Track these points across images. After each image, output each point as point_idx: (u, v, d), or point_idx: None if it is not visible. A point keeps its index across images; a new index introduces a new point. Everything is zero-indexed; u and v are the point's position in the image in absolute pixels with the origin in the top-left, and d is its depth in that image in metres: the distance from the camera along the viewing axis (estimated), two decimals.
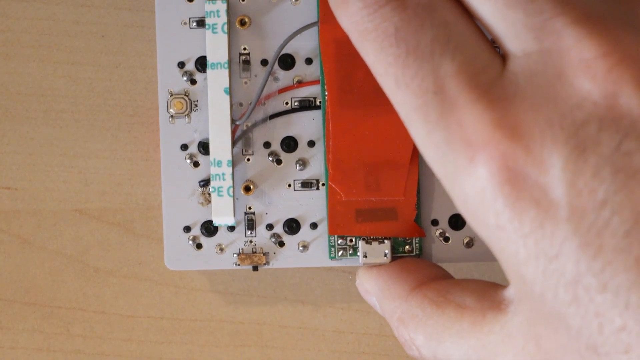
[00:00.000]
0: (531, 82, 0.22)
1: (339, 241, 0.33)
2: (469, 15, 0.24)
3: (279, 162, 0.34)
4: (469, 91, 0.23)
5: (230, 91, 0.33)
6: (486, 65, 0.23)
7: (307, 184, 0.34)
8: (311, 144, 0.34)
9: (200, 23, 0.34)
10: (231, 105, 0.33)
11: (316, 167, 0.34)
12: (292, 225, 0.34)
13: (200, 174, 0.34)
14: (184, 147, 0.34)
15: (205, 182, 0.34)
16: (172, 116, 0.34)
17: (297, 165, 0.34)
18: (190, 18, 0.34)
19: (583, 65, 0.22)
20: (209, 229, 0.34)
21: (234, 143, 0.34)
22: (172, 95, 0.34)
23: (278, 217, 0.34)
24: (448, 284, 0.28)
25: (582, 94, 0.22)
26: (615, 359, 0.21)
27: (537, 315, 0.23)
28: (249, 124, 0.34)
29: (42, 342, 0.37)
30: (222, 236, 0.34)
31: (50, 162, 0.36)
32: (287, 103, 0.34)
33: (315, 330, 0.36)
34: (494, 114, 0.22)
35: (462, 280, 0.28)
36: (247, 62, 0.34)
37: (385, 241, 0.32)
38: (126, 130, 0.36)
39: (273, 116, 0.34)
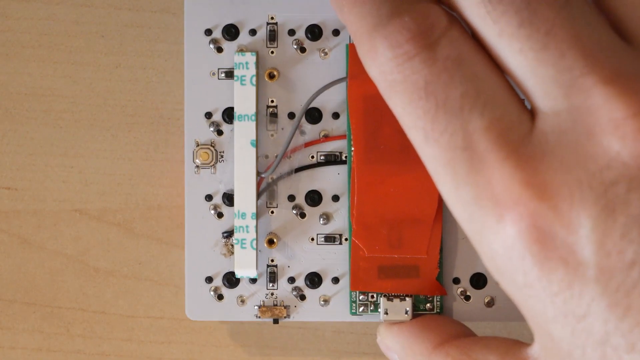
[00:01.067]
0: (560, 141, 0.22)
1: (361, 297, 0.33)
2: (499, 70, 0.24)
3: (302, 215, 0.34)
4: (499, 149, 0.23)
5: (256, 143, 0.33)
6: (515, 122, 0.23)
7: (330, 239, 0.34)
8: (335, 198, 0.34)
9: (229, 74, 0.34)
10: (257, 158, 0.33)
11: (340, 222, 0.34)
12: (314, 279, 0.34)
13: (224, 225, 0.34)
14: (209, 197, 0.34)
15: (229, 234, 0.34)
16: (197, 166, 0.34)
17: (321, 219, 0.34)
18: (219, 69, 0.34)
19: (612, 125, 0.22)
20: (231, 280, 0.34)
21: (258, 195, 0.34)
22: (198, 145, 0.34)
23: (300, 271, 0.34)
24: (470, 341, 0.28)
25: (612, 154, 0.22)
26: None
27: None
28: (274, 177, 0.34)
29: (42, 342, 0.37)
30: (243, 288, 0.34)
31: (50, 162, 0.36)
32: (312, 157, 0.34)
33: (316, 330, 0.36)
34: (523, 173, 0.22)
35: (485, 338, 0.28)
36: (274, 115, 0.34)
37: (407, 298, 0.32)
38: (126, 130, 0.36)
39: (298, 169, 0.34)
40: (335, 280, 0.34)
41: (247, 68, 0.33)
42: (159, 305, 0.37)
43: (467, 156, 0.23)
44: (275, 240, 0.34)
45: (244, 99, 0.33)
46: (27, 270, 0.36)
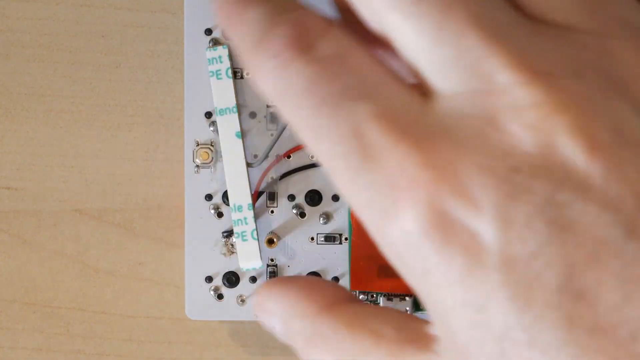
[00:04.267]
0: (460, 124, 0.21)
1: (361, 296, 0.33)
2: (383, 62, 0.23)
3: (302, 215, 0.34)
4: (389, 132, 0.22)
5: (242, 134, 0.33)
6: (406, 106, 0.22)
7: (330, 238, 0.34)
8: (335, 198, 0.34)
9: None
10: (245, 149, 0.33)
11: (340, 222, 0.34)
12: None
13: (223, 224, 0.34)
14: (209, 197, 0.34)
15: (229, 233, 0.34)
16: (197, 166, 0.34)
17: (321, 218, 0.34)
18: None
19: (516, 113, 0.21)
20: (231, 279, 0.34)
21: (258, 195, 0.34)
22: (198, 145, 0.34)
23: (300, 270, 0.34)
24: (364, 308, 0.26)
25: (515, 141, 0.21)
26: None
27: None
28: (274, 176, 0.34)
29: (42, 342, 0.37)
30: (243, 287, 0.34)
31: (50, 162, 0.36)
32: (312, 156, 0.34)
33: None
34: (419, 154, 0.21)
35: (378, 307, 0.27)
36: (274, 115, 0.34)
37: (407, 298, 0.32)
38: (126, 130, 0.36)
39: (299, 169, 0.34)
40: (336, 279, 0.34)
41: (221, 62, 0.33)
42: (159, 305, 0.37)
43: (358, 145, 0.22)
44: (275, 239, 0.34)
45: (222, 93, 0.33)
46: (27, 270, 0.36)
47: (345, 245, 0.34)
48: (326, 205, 0.34)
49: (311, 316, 0.27)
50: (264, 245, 0.34)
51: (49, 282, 0.36)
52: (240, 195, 0.33)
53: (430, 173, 0.21)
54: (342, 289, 0.29)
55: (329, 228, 0.34)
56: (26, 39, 0.36)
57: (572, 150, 0.21)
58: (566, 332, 0.20)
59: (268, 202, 0.34)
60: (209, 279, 0.34)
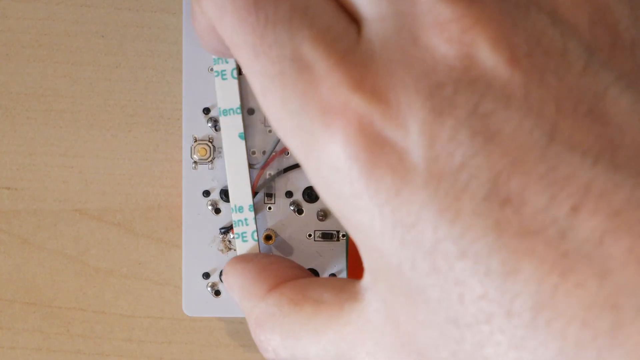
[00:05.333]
0: (386, 46, 0.22)
1: None
2: None
3: (300, 212, 0.34)
4: (327, 57, 0.22)
5: (245, 136, 0.33)
6: (343, 33, 0.22)
7: (327, 235, 0.34)
8: None
9: None
10: (247, 150, 0.33)
11: (337, 219, 0.34)
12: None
13: (221, 220, 0.34)
14: (206, 193, 0.34)
15: (226, 230, 0.34)
16: (195, 162, 0.34)
17: (318, 215, 0.34)
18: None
19: (438, 28, 0.21)
20: None
21: (256, 191, 0.34)
22: (196, 141, 0.34)
23: None
24: (306, 281, 0.27)
25: (438, 57, 0.21)
26: (477, 330, 0.20)
27: (395, 293, 0.22)
28: (272, 173, 0.34)
29: (42, 342, 0.37)
30: None
31: (50, 162, 0.36)
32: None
33: None
34: (351, 79, 0.22)
35: (321, 278, 0.27)
36: None
37: None
38: (126, 130, 0.36)
39: (296, 166, 0.34)
40: (333, 276, 0.34)
41: (227, 62, 0.33)
42: (159, 305, 0.36)
43: (296, 67, 0.22)
44: (272, 236, 0.34)
45: (227, 94, 0.33)
46: (27, 270, 0.36)
47: (343, 242, 0.34)
48: (324, 202, 0.34)
49: (259, 297, 0.27)
50: (262, 241, 0.34)
51: (49, 282, 0.36)
52: (242, 196, 0.33)
53: (360, 96, 0.21)
54: (297, 267, 0.29)
55: (327, 225, 0.34)
56: (26, 39, 0.36)
57: (492, 62, 0.21)
58: (495, 238, 0.20)
59: (266, 198, 0.34)
60: (206, 276, 0.34)
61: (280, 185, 0.34)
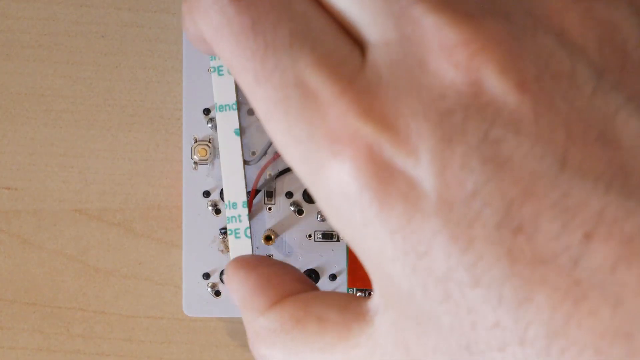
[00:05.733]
0: (393, 73, 0.22)
1: (358, 294, 0.33)
2: (326, 9, 0.23)
3: (300, 212, 0.34)
4: (332, 83, 0.22)
5: (240, 132, 0.33)
6: (347, 57, 0.22)
7: (327, 235, 0.34)
8: None
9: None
10: (243, 147, 0.33)
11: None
12: (312, 276, 0.34)
13: (221, 221, 0.34)
14: (206, 193, 0.34)
15: (227, 230, 0.34)
16: (195, 162, 0.34)
17: (319, 216, 0.34)
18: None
19: (444, 54, 0.21)
20: None
21: (256, 191, 0.34)
22: (196, 141, 0.34)
23: (297, 267, 0.34)
24: (310, 296, 0.26)
25: (446, 83, 0.21)
26: (490, 357, 0.20)
27: (405, 319, 0.22)
28: (272, 173, 0.34)
29: (42, 342, 0.37)
30: None
31: (50, 162, 0.36)
32: None
33: None
34: (359, 106, 0.21)
35: (325, 293, 0.26)
36: None
37: None
38: (126, 130, 0.36)
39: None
40: (333, 277, 0.34)
41: None
42: (159, 305, 0.36)
43: (299, 93, 0.22)
44: (272, 236, 0.34)
45: (223, 89, 0.33)
46: (27, 270, 0.36)
47: (343, 243, 0.34)
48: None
49: (259, 311, 0.27)
50: (262, 242, 0.34)
51: (49, 282, 0.36)
52: (236, 192, 0.33)
53: (369, 124, 0.21)
54: (300, 280, 0.29)
55: (327, 225, 0.34)
56: (26, 39, 0.36)
57: (501, 87, 0.21)
58: (508, 267, 0.20)
59: (266, 199, 0.34)
60: (207, 276, 0.34)
61: (281, 186, 0.34)
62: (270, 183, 0.34)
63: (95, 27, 0.36)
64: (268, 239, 0.34)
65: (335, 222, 0.22)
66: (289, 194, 0.34)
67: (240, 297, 0.28)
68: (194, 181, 0.34)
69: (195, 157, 0.34)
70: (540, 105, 0.21)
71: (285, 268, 0.30)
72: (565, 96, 0.21)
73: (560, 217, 0.20)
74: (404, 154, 0.21)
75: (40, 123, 0.36)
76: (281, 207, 0.34)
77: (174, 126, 0.36)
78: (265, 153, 0.34)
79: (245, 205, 0.33)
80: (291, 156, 0.23)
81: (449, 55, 0.21)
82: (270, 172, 0.34)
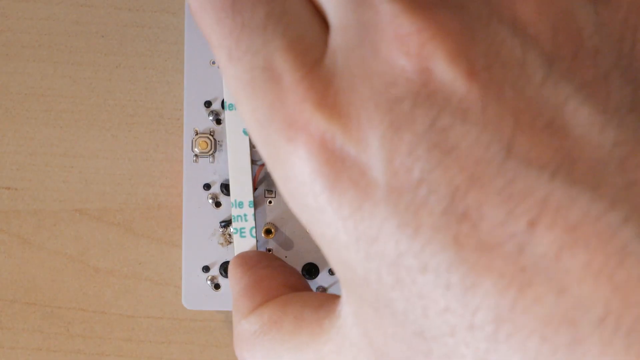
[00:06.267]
0: (348, 58, 0.22)
1: None
2: None
3: None
4: (295, 69, 0.22)
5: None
6: (314, 43, 0.22)
7: None
8: None
9: None
10: (251, 146, 0.33)
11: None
12: (311, 270, 0.34)
13: (221, 214, 0.34)
14: (207, 186, 0.34)
15: (227, 223, 0.34)
16: (196, 155, 0.34)
17: None
18: None
19: (397, 41, 0.21)
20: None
21: (257, 184, 0.34)
22: (197, 134, 0.34)
23: (297, 261, 0.34)
24: (289, 297, 0.27)
25: (397, 71, 0.21)
26: (443, 343, 0.20)
27: (365, 307, 0.22)
28: None
29: (42, 342, 0.37)
30: None
31: (50, 162, 0.36)
32: None
33: None
34: (315, 93, 0.22)
35: (303, 293, 0.27)
36: None
37: None
38: (126, 130, 0.36)
39: None
40: (331, 272, 0.34)
41: None
42: (159, 305, 0.37)
43: (266, 76, 0.22)
44: (272, 230, 0.34)
45: None
46: (27, 270, 0.36)
47: None
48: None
49: (243, 314, 0.27)
50: (262, 235, 0.34)
51: (49, 282, 0.36)
52: (243, 192, 0.33)
53: (323, 112, 0.21)
54: (289, 284, 0.29)
55: None
56: (26, 39, 0.36)
57: (450, 75, 0.21)
58: (454, 253, 0.20)
59: (266, 192, 0.34)
60: (206, 269, 0.34)
61: None
62: (271, 177, 0.34)
63: (95, 27, 0.36)
64: (268, 232, 0.34)
65: (293, 207, 0.23)
66: None
67: (233, 298, 0.29)
68: (194, 174, 0.34)
69: (196, 149, 0.34)
70: (489, 93, 0.21)
71: (279, 270, 0.30)
72: (514, 85, 0.21)
73: (505, 205, 0.20)
74: (354, 142, 0.21)
75: (40, 123, 0.36)
76: (281, 201, 0.34)
77: (174, 126, 0.36)
78: None
79: (251, 205, 0.33)
80: (255, 138, 0.23)
81: (401, 43, 0.21)
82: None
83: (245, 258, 0.31)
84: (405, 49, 0.21)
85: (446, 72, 0.21)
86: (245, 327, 0.27)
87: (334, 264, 0.23)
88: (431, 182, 0.20)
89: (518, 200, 0.20)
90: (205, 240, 0.34)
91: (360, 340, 0.23)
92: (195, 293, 0.34)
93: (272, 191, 0.34)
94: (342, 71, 0.22)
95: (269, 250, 0.34)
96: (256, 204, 0.34)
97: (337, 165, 0.21)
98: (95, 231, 0.36)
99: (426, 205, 0.20)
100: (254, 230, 0.33)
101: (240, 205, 0.33)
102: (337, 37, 0.22)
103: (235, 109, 0.33)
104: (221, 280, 0.34)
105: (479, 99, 0.21)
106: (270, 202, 0.34)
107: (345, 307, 0.24)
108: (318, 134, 0.21)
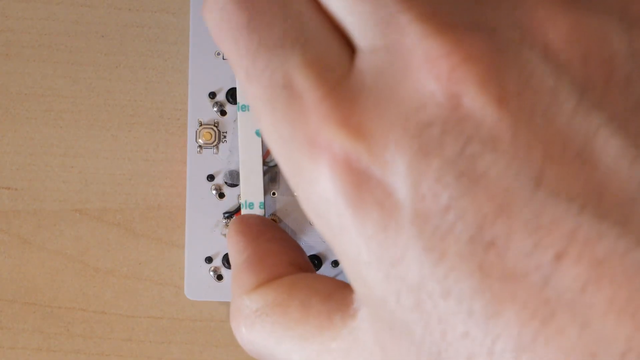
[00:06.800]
0: (377, 81, 0.22)
1: None
2: (324, 11, 0.23)
3: None
4: (317, 87, 0.22)
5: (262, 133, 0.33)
6: (336, 62, 0.22)
7: None
8: None
9: None
10: (262, 147, 0.33)
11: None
12: (314, 262, 0.34)
13: (225, 205, 0.34)
14: (211, 177, 0.34)
15: (230, 214, 0.34)
16: (200, 146, 0.34)
17: None
18: None
19: (427, 65, 0.21)
20: None
21: (265, 167, 0.34)
22: (201, 125, 0.34)
23: None
24: (295, 279, 0.27)
25: (426, 95, 0.21)
26: None
27: (380, 322, 0.22)
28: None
29: (42, 342, 0.37)
30: None
31: (50, 162, 0.36)
32: None
33: None
34: (339, 112, 0.22)
35: (310, 276, 0.27)
36: None
37: None
38: (126, 130, 0.36)
39: None
40: (335, 263, 0.34)
41: None
42: (159, 305, 0.37)
43: (286, 94, 0.22)
44: (276, 221, 0.34)
45: None
46: (27, 270, 0.36)
47: None
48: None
49: (246, 290, 0.27)
50: None
51: (49, 282, 0.36)
52: (253, 193, 0.33)
53: (348, 132, 0.21)
54: (294, 262, 0.29)
55: None
56: (26, 39, 0.36)
57: (480, 102, 0.21)
58: (478, 281, 0.20)
59: (270, 184, 0.34)
60: (209, 260, 0.34)
61: None
62: (275, 168, 0.34)
63: (95, 27, 0.36)
64: None
65: (315, 223, 0.23)
66: None
67: (233, 266, 0.28)
68: (198, 165, 0.34)
69: (200, 140, 0.34)
70: (519, 122, 0.21)
71: (285, 246, 0.30)
72: (545, 113, 0.21)
73: (532, 236, 0.20)
74: (380, 164, 0.21)
75: (40, 123, 0.36)
76: (285, 193, 0.34)
77: (174, 126, 0.36)
78: None
79: (262, 206, 0.33)
80: (277, 154, 0.23)
81: (431, 67, 0.21)
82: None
83: (247, 225, 0.31)
84: (435, 72, 0.21)
85: (476, 98, 0.21)
86: (247, 303, 0.27)
87: (352, 281, 0.23)
88: (459, 209, 0.20)
89: (545, 232, 0.20)
90: (208, 231, 0.34)
91: (373, 348, 0.23)
92: (198, 284, 0.34)
93: (275, 182, 0.34)
94: (369, 92, 0.22)
95: (273, 219, 0.34)
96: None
97: (362, 186, 0.21)
98: (95, 231, 0.36)
99: (453, 232, 0.20)
100: None
101: (250, 206, 0.33)
102: (365, 59, 0.22)
103: (248, 110, 0.33)
104: (224, 271, 0.34)
105: (509, 128, 0.20)
106: (273, 193, 0.34)
107: (361, 312, 0.24)
108: (342, 153, 0.21)
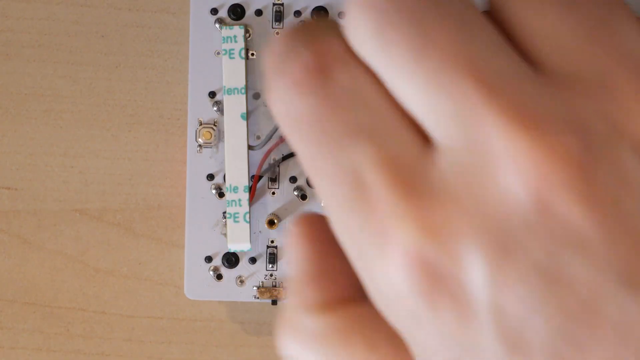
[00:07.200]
0: (457, 178, 0.21)
1: None
2: (397, 103, 0.22)
3: (303, 197, 0.34)
4: (388, 181, 0.21)
5: (247, 117, 0.33)
6: (410, 155, 0.22)
7: None
8: None
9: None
10: (248, 131, 0.33)
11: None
12: None
13: (224, 204, 0.34)
14: (210, 177, 0.34)
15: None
16: (200, 145, 0.34)
17: (322, 201, 0.34)
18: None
19: (510, 163, 0.20)
20: (230, 260, 0.34)
21: (260, 176, 0.34)
22: (201, 124, 0.34)
23: None
24: (361, 313, 0.25)
25: (509, 194, 0.20)
26: None
27: None
28: (276, 158, 0.34)
29: (42, 342, 0.37)
30: (243, 268, 0.34)
31: (50, 162, 0.36)
32: None
33: None
34: (413, 208, 0.21)
35: (372, 314, 0.25)
36: None
37: None
38: (126, 130, 0.36)
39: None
40: None
41: (236, 41, 0.33)
42: (159, 305, 0.37)
43: (356, 190, 0.22)
44: (275, 221, 0.34)
45: (233, 73, 0.33)
46: (27, 270, 0.36)
47: None
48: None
49: (306, 307, 0.26)
50: (265, 226, 0.34)
51: (49, 282, 0.36)
52: (238, 176, 0.33)
53: (423, 228, 0.21)
54: (353, 285, 0.28)
55: None
56: (26, 39, 0.36)
57: (569, 208, 0.20)
58: None
59: (269, 183, 0.34)
60: (209, 259, 0.34)
61: (285, 170, 0.34)
62: (274, 168, 0.34)
63: (95, 27, 0.36)
64: (271, 223, 0.34)
65: (385, 312, 0.22)
66: (293, 179, 0.34)
67: (294, 271, 0.27)
68: (198, 164, 0.34)
69: (199, 139, 0.34)
70: (612, 231, 0.20)
71: (349, 265, 0.29)
72: (638, 216, 0.20)
73: (617, 353, 0.20)
74: (459, 268, 0.21)
75: (40, 123, 0.36)
76: (285, 192, 0.34)
77: (174, 126, 0.36)
78: (270, 138, 0.34)
79: (246, 190, 0.33)
80: (348, 247, 0.23)
81: (515, 166, 0.20)
82: (275, 156, 0.34)
83: (315, 229, 0.29)
84: (519, 171, 0.20)
85: (566, 204, 0.20)
86: (307, 323, 0.26)
87: (417, 354, 0.22)
88: (542, 312, 0.20)
89: (631, 343, 0.20)
90: (208, 231, 0.34)
91: None
92: (198, 283, 0.34)
93: (275, 181, 0.34)
94: (448, 193, 0.21)
95: (272, 241, 0.34)
96: (259, 195, 0.34)
97: (436, 281, 0.21)
98: (95, 231, 0.37)
99: (533, 342, 0.20)
100: (247, 215, 0.33)
101: (235, 190, 0.33)
102: (443, 156, 0.21)
103: (234, 94, 0.33)
104: (223, 270, 0.34)
105: (600, 237, 0.20)
106: (273, 193, 0.34)
107: None
108: (415, 248, 0.21)
